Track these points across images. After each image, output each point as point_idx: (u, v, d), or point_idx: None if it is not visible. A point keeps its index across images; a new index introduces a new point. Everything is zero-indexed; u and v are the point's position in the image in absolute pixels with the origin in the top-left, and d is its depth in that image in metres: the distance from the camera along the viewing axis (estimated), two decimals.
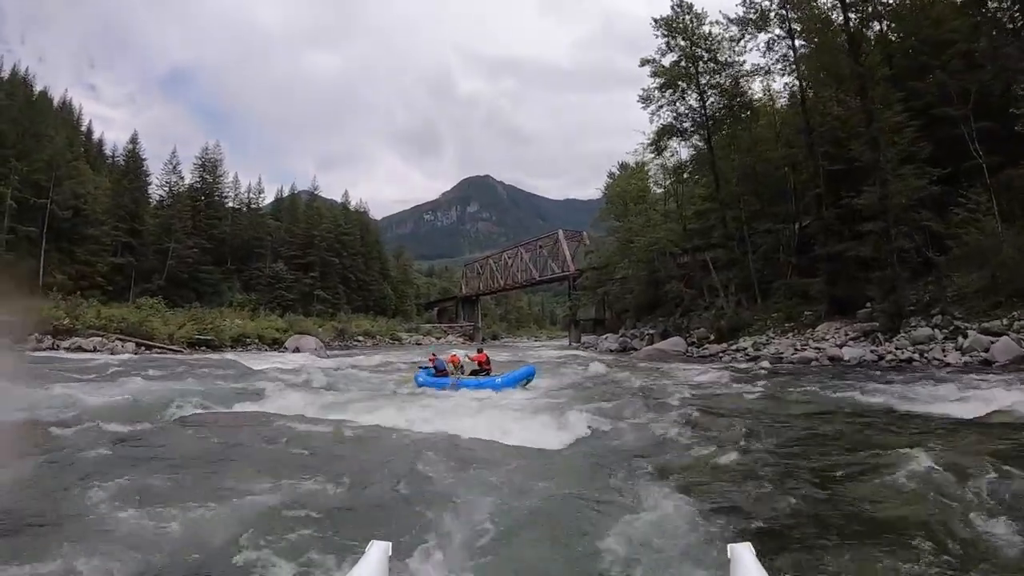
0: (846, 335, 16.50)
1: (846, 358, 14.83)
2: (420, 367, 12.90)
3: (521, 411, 7.72)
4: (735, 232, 23.55)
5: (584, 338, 43.07)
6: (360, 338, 49.49)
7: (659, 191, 34.07)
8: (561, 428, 6.26)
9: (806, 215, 21.40)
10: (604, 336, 35.57)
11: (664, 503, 3.59)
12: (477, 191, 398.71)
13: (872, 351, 14.70)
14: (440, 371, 11.82)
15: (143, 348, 21.60)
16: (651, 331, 25.90)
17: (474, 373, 11.90)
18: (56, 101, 48.45)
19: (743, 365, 15.86)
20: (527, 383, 11.09)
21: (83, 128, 53.11)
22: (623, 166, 38.30)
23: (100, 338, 19.41)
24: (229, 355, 22.48)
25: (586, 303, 42.92)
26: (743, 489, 3.93)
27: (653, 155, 28.99)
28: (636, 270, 29.90)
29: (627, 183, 34.27)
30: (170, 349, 22.61)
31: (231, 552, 2.86)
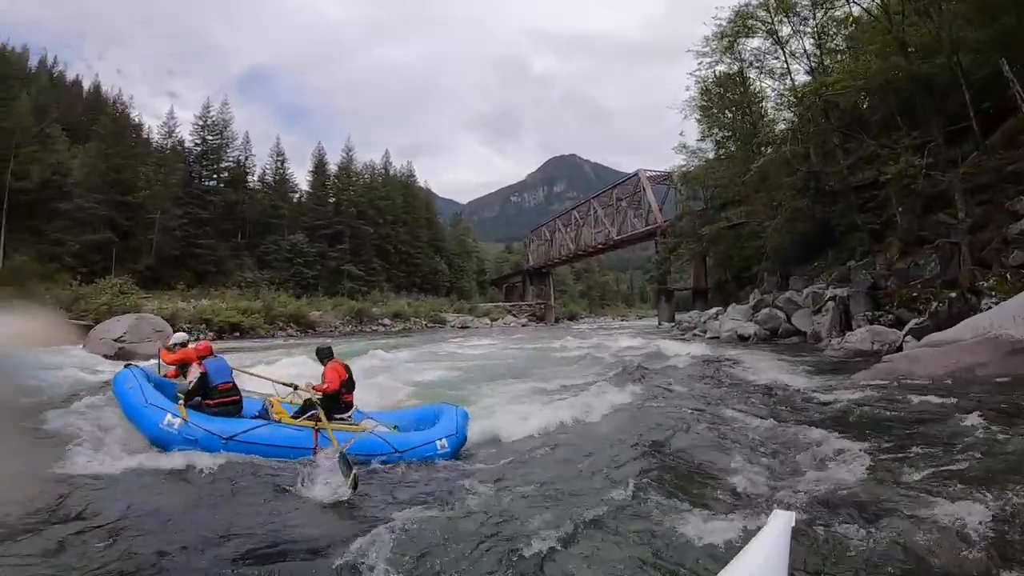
0: None
1: None
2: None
3: None
4: None
5: (680, 316, 28.86)
6: (386, 321, 39.38)
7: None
8: None
9: None
10: (713, 312, 21.30)
11: None
12: (563, 171, 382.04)
13: None
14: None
15: None
16: (838, 290, 11.57)
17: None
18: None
19: None
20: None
21: (133, 118, 46.85)
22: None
23: None
24: None
25: (681, 259, 28.17)
26: None
27: None
28: (776, 171, 14.92)
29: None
30: None
31: None
